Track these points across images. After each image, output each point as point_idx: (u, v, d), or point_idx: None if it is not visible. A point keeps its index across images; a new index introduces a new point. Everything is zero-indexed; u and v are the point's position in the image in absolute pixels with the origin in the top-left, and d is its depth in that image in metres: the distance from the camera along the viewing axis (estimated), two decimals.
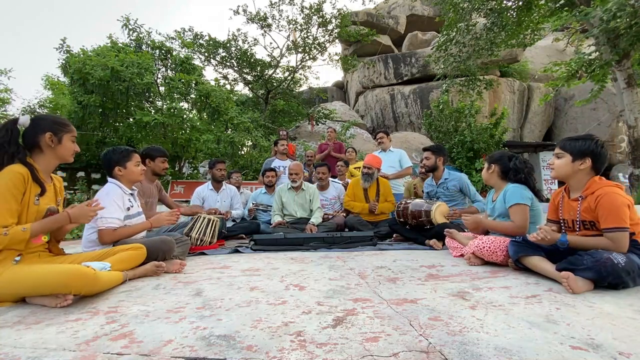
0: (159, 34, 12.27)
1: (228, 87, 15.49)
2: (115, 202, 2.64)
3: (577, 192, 2.23)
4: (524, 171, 2.91)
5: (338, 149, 7.47)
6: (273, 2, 14.30)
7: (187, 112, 10.33)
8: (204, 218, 3.75)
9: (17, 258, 1.94)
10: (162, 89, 10.12)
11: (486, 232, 3.09)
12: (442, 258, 3.02)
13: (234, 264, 2.89)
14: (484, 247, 2.62)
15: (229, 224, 4.73)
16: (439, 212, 3.70)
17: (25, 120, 2.07)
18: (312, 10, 14.07)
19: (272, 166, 6.07)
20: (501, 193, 2.91)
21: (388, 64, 18.07)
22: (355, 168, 6.45)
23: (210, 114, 10.11)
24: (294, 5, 14.36)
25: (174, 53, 10.76)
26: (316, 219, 4.61)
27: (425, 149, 4.29)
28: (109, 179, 2.82)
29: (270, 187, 5.40)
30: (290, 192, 4.90)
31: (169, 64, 10.60)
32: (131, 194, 2.85)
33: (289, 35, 15.12)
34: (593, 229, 2.13)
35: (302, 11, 14.28)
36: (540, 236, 2.16)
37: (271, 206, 5.03)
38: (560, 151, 2.29)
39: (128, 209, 2.74)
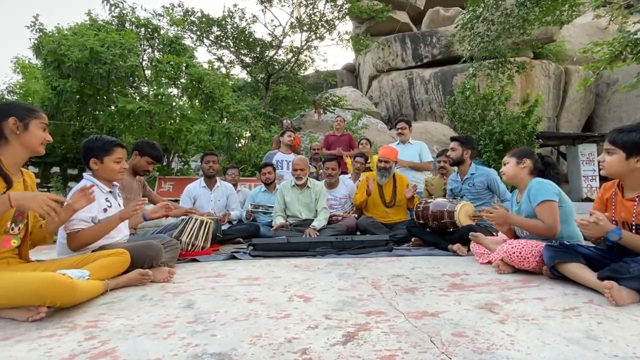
0: (145, 10, 12.28)
1: (223, 70, 15.54)
2: None
3: (634, 191, 2.17)
4: (556, 167, 2.91)
5: (347, 141, 7.31)
6: None
7: (177, 99, 10.36)
8: (196, 220, 3.76)
9: None
10: (148, 72, 10.13)
11: (514, 236, 3.07)
12: (467, 265, 3.02)
13: (230, 272, 2.90)
14: (513, 253, 2.60)
15: (225, 226, 4.73)
16: (463, 212, 3.67)
17: None
18: None
19: (273, 160, 6.04)
20: (525, 192, 2.91)
21: (406, 44, 18.00)
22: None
23: (203, 102, 10.11)
24: None
25: (162, 32, 10.75)
26: (319, 221, 4.55)
27: (453, 139, 4.26)
28: (85, 174, 2.81)
29: (269, 184, 5.38)
30: (293, 189, 4.87)
31: (155, 45, 10.58)
32: (110, 192, 2.83)
33: (292, 11, 15.09)
34: None
35: None
36: (592, 219, 2.09)
37: (272, 207, 5.01)
38: (610, 146, 2.18)
39: (105, 209, 2.72)
